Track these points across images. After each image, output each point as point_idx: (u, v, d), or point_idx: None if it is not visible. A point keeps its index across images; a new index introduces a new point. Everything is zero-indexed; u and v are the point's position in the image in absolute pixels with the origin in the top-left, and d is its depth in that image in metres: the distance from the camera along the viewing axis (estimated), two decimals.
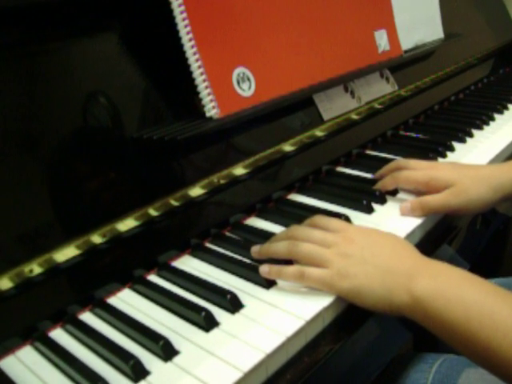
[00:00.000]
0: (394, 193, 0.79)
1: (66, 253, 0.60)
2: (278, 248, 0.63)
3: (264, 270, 0.61)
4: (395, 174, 0.78)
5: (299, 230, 0.65)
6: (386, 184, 0.80)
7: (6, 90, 0.60)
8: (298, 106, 0.86)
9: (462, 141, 1.01)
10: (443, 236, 0.78)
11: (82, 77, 0.66)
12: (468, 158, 0.93)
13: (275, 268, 0.61)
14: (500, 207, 1.07)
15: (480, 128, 1.08)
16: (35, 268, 0.57)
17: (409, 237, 0.70)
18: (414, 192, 0.78)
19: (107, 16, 0.69)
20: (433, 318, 0.53)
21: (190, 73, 0.70)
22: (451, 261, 0.90)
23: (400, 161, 0.82)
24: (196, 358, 0.51)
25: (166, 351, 0.52)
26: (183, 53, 0.70)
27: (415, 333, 0.96)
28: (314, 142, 0.88)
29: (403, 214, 0.74)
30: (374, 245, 0.61)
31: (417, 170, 0.77)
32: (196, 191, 0.71)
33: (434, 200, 0.72)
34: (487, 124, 1.11)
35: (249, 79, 0.75)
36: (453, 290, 0.53)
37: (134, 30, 0.72)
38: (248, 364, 0.50)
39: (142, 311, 0.59)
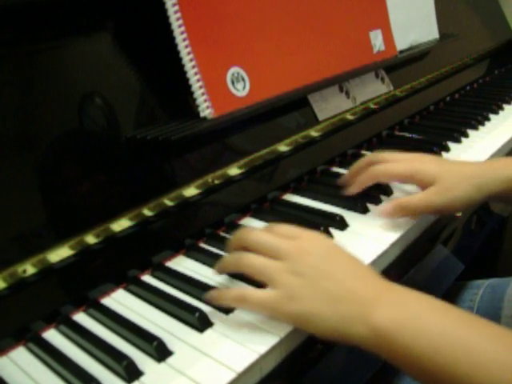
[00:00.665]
0: (387, 192, 0.79)
1: (60, 253, 0.59)
2: (225, 262, 0.59)
3: (210, 295, 0.56)
4: (372, 169, 0.72)
5: (250, 234, 0.58)
6: (362, 181, 0.74)
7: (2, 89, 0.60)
8: (293, 106, 0.86)
9: (458, 141, 1.01)
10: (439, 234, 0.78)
11: (76, 76, 0.66)
12: (463, 158, 0.93)
13: (215, 293, 0.55)
14: (495, 207, 1.08)
15: (475, 128, 1.08)
16: (29, 268, 0.57)
17: (403, 236, 0.70)
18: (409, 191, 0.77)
19: (101, 16, 0.69)
20: (395, 351, 0.47)
21: (184, 73, 0.70)
22: (447, 261, 0.90)
23: (373, 155, 0.76)
24: (190, 358, 0.51)
25: (160, 352, 0.52)
26: (177, 53, 0.70)
27: None
28: (308, 142, 0.88)
29: (383, 216, 0.70)
30: (331, 262, 0.53)
31: (398, 162, 0.72)
32: (190, 191, 0.71)
33: (416, 200, 0.68)
34: (482, 124, 1.11)
35: (243, 79, 0.75)
36: (422, 319, 0.47)
37: (128, 29, 0.72)
38: (242, 364, 0.50)
39: (135, 312, 0.59)
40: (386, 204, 0.70)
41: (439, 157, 0.75)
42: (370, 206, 0.76)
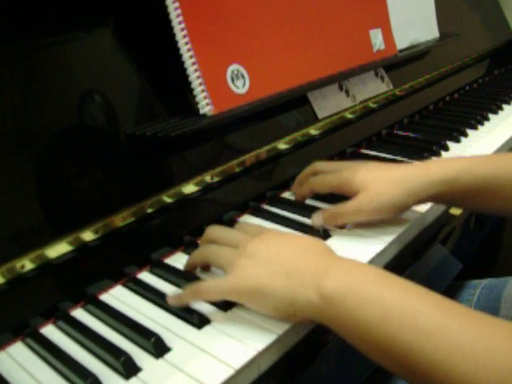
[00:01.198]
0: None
1: (58, 249, 0.59)
2: (192, 256, 0.62)
3: (170, 302, 0.57)
4: (310, 180, 0.75)
5: (216, 229, 0.62)
6: (303, 193, 0.77)
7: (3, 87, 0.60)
8: (293, 104, 0.86)
9: (457, 140, 1.01)
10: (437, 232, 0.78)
11: (76, 73, 0.66)
12: None
13: (173, 298, 0.57)
14: None
15: (475, 128, 1.08)
16: (27, 264, 0.57)
17: (402, 235, 0.70)
18: None
19: (101, 13, 0.69)
20: (345, 319, 0.48)
21: (185, 69, 0.70)
22: (445, 260, 0.90)
23: (315, 165, 0.77)
24: (188, 354, 0.51)
25: (158, 348, 0.52)
26: (177, 49, 0.70)
27: None
28: (308, 141, 0.88)
29: (315, 225, 0.70)
30: (284, 244, 0.56)
31: (330, 173, 0.73)
32: (189, 188, 0.71)
33: (346, 208, 0.68)
34: (482, 124, 1.11)
35: (243, 76, 0.75)
36: (369, 288, 0.48)
37: (129, 26, 0.72)
38: (240, 361, 0.50)
39: (134, 308, 0.59)
40: (318, 213, 0.70)
41: (373, 163, 0.74)
42: None
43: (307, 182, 0.76)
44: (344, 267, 0.51)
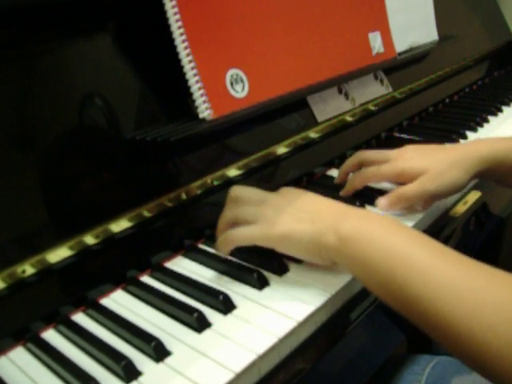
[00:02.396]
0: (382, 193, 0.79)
1: (59, 253, 0.60)
2: (225, 215, 0.66)
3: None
4: (362, 173, 0.76)
5: (240, 189, 0.67)
6: (354, 184, 0.77)
7: (0, 90, 0.60)
8: (292, 108, 0.86)
9: (456, 143, 1.01)
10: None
11: (76, 78, 0.66)
12: None
13: (215, 248, 0.64)
14: (494, 209, 1.08)
15: (474, 130, 1.08)
16: (28, 268, 0.57)
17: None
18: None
19: (101, 18, 0.69)
20: (356, 258, 0.54)
21: (184, 74, 0.71)
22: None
23: (360, 155, 0.79)
24: (188, 358, 0.52)
25: (158, 352, 0.52)
26: (177, 54, 0.70)
27: (409, 334, 0.96)
28: (307, 144, 0.88)
29: (382, 210, 0.72)
30: (306, 198, 0.62)
31: (384, 163, 0.75)
32: (190, 192, 0.71)
33: (410, 189, 0.70)
34: (481, 126, 1.11)
35: (242, 81, 0.76)
36: (379, 231, 0.54)
37: (128, 31, 0.72)
38: (240, 365, 0.50)
39: (134, 312, 0.59)
40: (383, 198, 0.72)
41: (423, 146, 0.77)
42: (368, 206, 0.76)
43: (359, 174, 0.77)
44: (360, 214, 0.58)
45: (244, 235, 0.61)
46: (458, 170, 0.71)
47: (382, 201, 0.72)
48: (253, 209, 0.62)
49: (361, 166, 0.79)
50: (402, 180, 0.73)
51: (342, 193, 0.78)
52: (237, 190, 0.66)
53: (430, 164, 0.71)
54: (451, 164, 0.71)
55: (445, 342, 0.48)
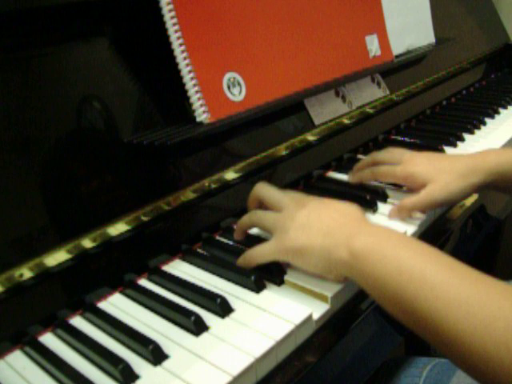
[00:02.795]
0: (384, 198, 0.80)
1: (57, 257, 0.60)
2: (243, 220, 0.69)
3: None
4: (374, 169, 0.81)
5: (264, 188, 0.69)
6: (364, 177, 0.83)
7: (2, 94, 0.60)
8: (289, 111, 0.86)
9: (453, 145, 1.02)
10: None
11: (74, 82, 0.66)
12: None
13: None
14: (492, 211, 1.08)
15: (471, 132, 1.09)
16: (25, 272, 0.57)
17: None
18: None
19: (98, 22, 0.70)
20: (367, 273, 0.54)
21: (181, 78, 0.71)
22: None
23: (375, 155, 0.84)
24: (185, 362, 0.52)
25: (156, 355, 0.52)
26: (174, 58, 0.70)
27: (406, 337, 0.97)
28: (305, 147, 0.88)
29: (392, 217, 0.75)
30: (323, 211, 0.62)
31: (395, 165, 0.79)
32: (187, 195, 0.71)
33: (421, 200, 0.74)
34: (478, 128, 1.12)
35: (239, 84, 0.76)
36: (389, 248, 0.54)
37: (126, 35, 0.72)
38: (237, 368, 0.50)
39: (132, 315, 0.60)
40: (394, 209, 0.75)
41: (433, 154, 0.81)
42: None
43: (371, 170, 0.81)
44: (372, 230, 0.58)
45: (262, 255, 0.63)
46: (464, 182, 0.73)
47: (393, 211, 0.75)
48: (271, 218, 0.64)
49: (374, 165, 0.83)
50: (408, 183, 0.78)
51: (350, 178, 0.85)
52: (260, 191, 0.69)
53: (438, 174, 0.74)
54: (459, 175, 0.73)
55: (457, 359, 0.48)
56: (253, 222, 0.68)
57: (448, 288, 0.48)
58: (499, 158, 0.75)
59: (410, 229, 0.72)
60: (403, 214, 0.74)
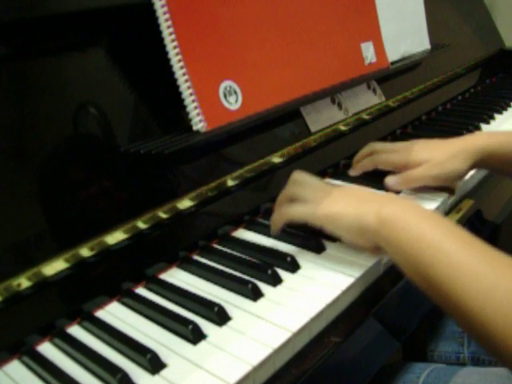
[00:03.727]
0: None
1: (55, 266, 0.60)
2: (282, 194, 0.74)
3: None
4: (374, 157, 0.87)
5: (301, 174, 0.74)
6: (365, 165, 0.88)
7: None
8: (286, 119, 0.87)
9: None
10: None
11: (71, 91, 0.67)
12: None
13: (271, 226, 0.72)
14: (488, 215, 1.08)
15: None
16: (23, 282, 0.57)
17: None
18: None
19: (95, 31, 0.70)
20: (392, 239, 0.59)
21: (177, 86, 0.71)
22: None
23: (374, 144, 0.89)
24: (183, 370, 0.52)
25: (154, 364, 0.52)
26: (171, 67, 0.71)
27: (404, 343, 0.97)
28: (301, 154, 0.88)
29: (390, 187, 0.82)
30: (355, 188, 0.73)
31: (394, 152, 0.85)
32: (184, 204, 0.71)
33: (415, 173, 0.81)
34: None
35: (236, 92, 0.76)
36: (413, 218, 0.59)
37: (122, 44, 0.72)
38: (235, 376, 0.50)
39: (129, 324, 0.60)
40: (392, 177, 0.83)
41: (428, 140, 0.87)
42: None
43: (371, 158, 0.87)
44: (399, 202, 0.64)
45: (296, 212, 0.68)
46: (456, 160, 0.80)
47: (390, 179, 0.83)
48: (309, 191, 0.70)
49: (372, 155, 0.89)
50: (407, 168, 0.83)
51: (350, 172, 0.90)
52: (298, 175, 0.74)
53: (432, 155, 0.81)
54: (450, 155, 0.81)
55: (460, 321, 0.53)
56: (292, 193, 0.72)
57: (460, 257, 0.53)
58: (488, 140, 0.82)
59: None
60: (400, 186, 0.82)
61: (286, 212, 0.70)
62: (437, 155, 0.81)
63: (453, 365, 0.85)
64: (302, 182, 0.73)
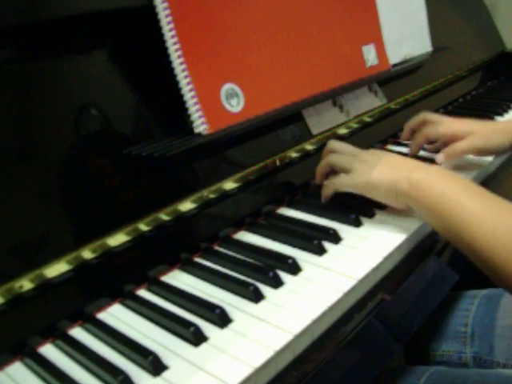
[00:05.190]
0: (383, 207, 0.80)
1: (57, 268, 0.60)
2: (321, 165, 0.83)
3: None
4: (423, 132, 0.95)
5: (336, 143, 0.83)
6: (419, 143, 0.97)
7: (1, 105, 0.61)
8: (287, 121, 0.87)
9: None
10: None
11: (73, 94, 0.67)
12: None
13: (322, 196, 0.81)
14: None
15: None
16: (25, 284, 0.57)
17: (397, 249, 0.70)
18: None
19: (97, 34, 0.70)
20: (420, 198, 0.69)
21: (179, 89, 0.71)
22: (441, 272, 0.91)
23: (425, 115, 0.97)
24: (185, 372, 0.52)
25: (155, 366, 0.52)
26: (172, 69, 0.71)
27: (406, 345, 0.97)
28: (303, 156, 0.89)
29: (440, 161, 0.90)
30: (390, 155, 0.77)
31: (441, 124, 0.93)
32: (186, 206, 0.72)
33: (462, 145, 0.89)
34: None
35: (237, 95, 0.76)
36: (436, 179, 0.69)
37: (125, 47, 0.73)
38: (236, 378, 0.50)
39: (131, 326, 0.60)
40: (440, 154, 0.90)
41: (468, 119, 0.94)
42: (362, 219, 0.77)
43: (421, 133, 0.95)
44: (428, 168, 0.73)
45: (341, 183, 0.78)
46: (501, 135, 0.89)
47: (439, 156, 0.90)
48: (347, 158, 0.78)
49: (422, 124, 0.97)
50: (453, 139, 0.90)
51: (411, 151, 0.98)
52: (333, 144, 0.83)
53: (478, 128, 0.90)
54: (495, 129, 0.90)
55: (473, 257, 0.63)
56: (330, 163, 0.80)
57: (471, 206, 0.64)
58: None
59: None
60: (449, 159, 0.90)
61: (333, 183, 0.79)
62: (482, 128, 0.89)
63: (455, 365, 0.86)
64: (339, 150, 0.81)
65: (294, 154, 0.87)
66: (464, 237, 0.63)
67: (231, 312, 0.59)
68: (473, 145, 0.89)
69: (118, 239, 0.65)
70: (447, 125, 0.92)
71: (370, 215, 0.78)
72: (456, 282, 0.93)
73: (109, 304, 0.64)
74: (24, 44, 0.64)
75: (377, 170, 0.74)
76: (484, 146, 0.89)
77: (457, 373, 0.76)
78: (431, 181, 0.69)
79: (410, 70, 1.17)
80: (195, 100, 0.71)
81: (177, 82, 0.71)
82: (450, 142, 0.91)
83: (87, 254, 0.62)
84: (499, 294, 0.94)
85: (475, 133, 0.89)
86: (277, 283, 0.64)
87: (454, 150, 0.90)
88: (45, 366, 0.55)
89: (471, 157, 0.95)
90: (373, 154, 0.78)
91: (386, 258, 0.68)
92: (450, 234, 0.66)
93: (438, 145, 0.96)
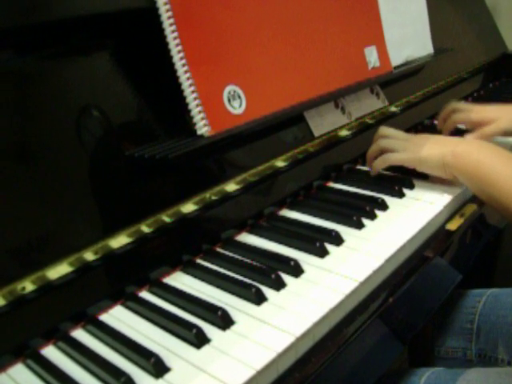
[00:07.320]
0: (384, 208, 0.80)
1: (59, 270, 0.60)
2: (372, 149, 0.93)
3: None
4: (453, 117, 1.05)
5: (387, 129, 0.93)
6: (449, 128, 1.07)
7: (2, 107, 0.61)
8: (289, 123, 0.87)
9: None
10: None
11: (75, 95, 0.67)
12: None
13: (372, 169, 0.91)
14: (491, 219, 1.08)
15: None
16: (28, 285, 0.57)
17: (399, 251, 0.70)
18: None
19: (99, 36, 0.70)
20: (461, 167, 0.80)
21: (182, 91, 0.71)
22: (444, 271, 0.91)
23: (454, 104, 1.08)
24: (187, 374, 0.52)
25: (157, 368, 0.52)
26: (175, 71, 0.71)
27: (410, 347, 0.97)
28: (305, 158, 0.89)
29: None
30: (435, 136, 0.89)
31: (471, 111, 1.03)
32: (188, 208, 0.71)
33: (490, 127, 0.98)
34: None
35: (239, 97, 0.76)
36: (477, 152, 0.80)
37: (127, 49, 0.73)
38: (239, 380, 0.50)
39: (133, 328, 0.60)
40: (470, 135, 0.99)
41: (497, 106, 1.03)
42: (365, 221, 0.77)
43: (451, 119, 1.06)
44: (470, 141, 0.86)
45: (396, 158, 0.87)
46: None
47: (468, 136, 0.99)
48: (398, 142, 0.89)
49: (453, 113, 1.06)
50: (483, 124, 0.99)
51: (439, 124, 1.10)
52: (385, 129, 0.93)
53: (504, 113, 0.99)
54: None
55: (504, 212, 0.75)
56: (381, 146, 0.90)
57: (503, 167, 0.76)
58: None
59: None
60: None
61: (387, 158, 0.88)
62: (508, 114, 0.98)
63: (459, 362, 0.88)
64: (390, 135, 0.91)
65: (296, 156, 0.87)
66: (495, 194, 0.75)
67: (233, 314, 0.59)
68: (500, 128, 0.98)
69: (119, 241, 0.65)
70: (478, 111, 1.02)
71: (372, 217, 0.78)
72: (459, 281, 0.94)
73: (111, 306, 0.64)
74: (27, 46, 0.64)
75: (427, 147, 0.85)
76: (509, 128, 0.97)
77: (458, 372, 0.77)
78: (471, 151, 0.80)
79: (411, 72, 1.17)
80: (197, 102, 0.71)
81: (179, 84, 0.71)
82: (480, 126, 0.99)
83: (89, 255, 0.62)
84: (505, 292, 0.96)
85: (503, 117, 0.98)
86: (279, 285, 0.64)
87: (483, 133, 0.98)
88: (47, 367, 0.55)
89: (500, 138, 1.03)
90: (421, 138, 0.89)
91: (388, 261, 0.68)
92: (484, 193, 0.77)
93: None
